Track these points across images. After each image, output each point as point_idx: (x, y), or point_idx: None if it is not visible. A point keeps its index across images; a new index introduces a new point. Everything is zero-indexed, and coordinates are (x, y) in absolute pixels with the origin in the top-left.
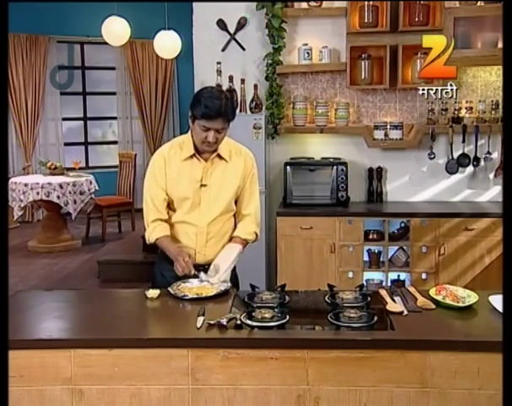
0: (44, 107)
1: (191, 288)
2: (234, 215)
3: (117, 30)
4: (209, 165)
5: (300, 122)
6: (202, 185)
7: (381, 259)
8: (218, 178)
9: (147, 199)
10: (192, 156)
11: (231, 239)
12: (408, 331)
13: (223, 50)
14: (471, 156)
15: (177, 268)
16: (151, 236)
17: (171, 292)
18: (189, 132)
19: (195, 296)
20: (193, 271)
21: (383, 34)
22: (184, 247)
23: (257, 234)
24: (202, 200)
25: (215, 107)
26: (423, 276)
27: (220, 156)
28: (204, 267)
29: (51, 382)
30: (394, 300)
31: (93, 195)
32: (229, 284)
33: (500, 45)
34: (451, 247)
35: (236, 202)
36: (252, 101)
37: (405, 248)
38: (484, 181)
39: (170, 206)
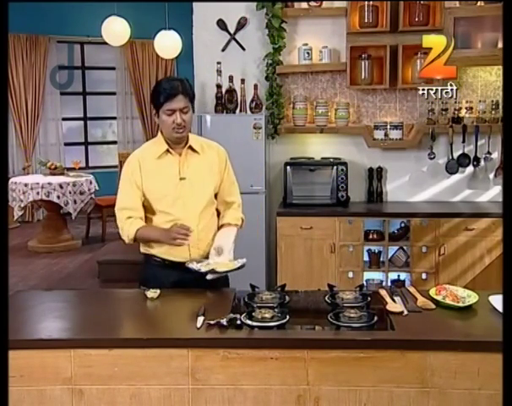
0: (44, 107)
1: (208, 264)
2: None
3: (116, 30)
4: (184, 158)
5: (300, 122)
6: (181, 179)
7: (381, 259)
8: (195, 170)
9: (121, 200)
10: (166, 153)
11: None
12: (408, 331)
13: (223, 50)
14: (471, 156)
15: (173, 242)
16: (130, 230)
17: (195, 268)
18: (159, 132)
19: (224, 270)
20: (189, 239)
21: (383, 34)
22: (177, 246)
23: (243, 220)
24: (184, 194)
25: (174, 86)
26: (423, 276)
27: (192, 149)
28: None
29: (51, 382)
30: (394, 300)
31: (93, 195)
32: (244, 260)
33: (500, 45)
34: (451, 247)
35: (216, 196)
36: (252, 101)
37: (405, 248)
38: (484, 181)
39: (149, 210)
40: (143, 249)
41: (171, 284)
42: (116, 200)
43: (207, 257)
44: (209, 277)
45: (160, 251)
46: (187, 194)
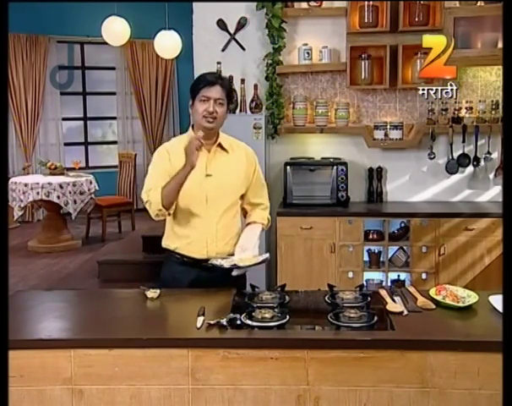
0: (44, 107)
1: (232, 260)
2: (243, 212)
3: (116, 30)
4: (212, 155)
5: (300, 122)
6: (207, 175)
7: (381, 259)
8: (221, 167)
9: (148, 183)
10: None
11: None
12: (408, 331)
13: (223, 50)
14: (471, 156)
15: (192, 156)
16: (155, 195)
17: (217, 264)
18: (190, 128)
19: (247, 264)
20: (198, 140)
21: (383, 34)
22: (194, 241)
23: (269, 220)
24: (207, 190)
25: (214, 75)
26: (423, 276)
27: (221, 147)
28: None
29: (51, 382)
30: (394, 300)
31: (93, 195)
32: (267, 255)
33: (500, 45)
34: (451, 247)
35: (243, 197)
36: (252, 101)
37: (405, 248)
38: (484, 181)
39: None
40: (164, 243)
41: (190, 282)
42: (115, 199)
43: (231, 254)
44: (234, 273)
45: (179, 247)
46: (210, 191)
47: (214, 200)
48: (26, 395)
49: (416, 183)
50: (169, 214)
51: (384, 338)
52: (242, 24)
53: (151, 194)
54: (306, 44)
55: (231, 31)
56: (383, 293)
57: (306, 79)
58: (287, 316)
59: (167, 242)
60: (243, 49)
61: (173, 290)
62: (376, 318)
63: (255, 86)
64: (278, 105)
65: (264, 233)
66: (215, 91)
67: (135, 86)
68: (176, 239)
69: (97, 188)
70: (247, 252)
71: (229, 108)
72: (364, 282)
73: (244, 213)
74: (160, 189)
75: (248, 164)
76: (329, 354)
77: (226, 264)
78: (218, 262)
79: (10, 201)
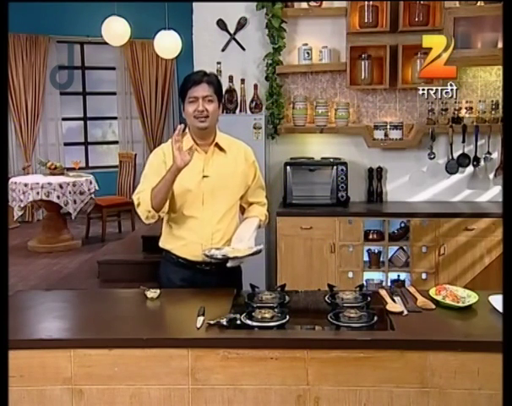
0: (44, 107)
1: (224, 251)
2: (240, 209)
3: (117, 30)
4: (210, 156)
5: (300, 122)
6: (204, 176)
7: (381, 259)
8: (219, 168)
9: (141, 186)
10: (191, 149)
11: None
12: (408, 331)
13: (223, 50)
14: (471, 156)
15: (178, 162)
16: (145, 197)
17: (207, 254)
18: (187, 129)
19: (239, 255)
20: (188, 158)
21: (383, 34)
22: (189, 243)
23: (267, 216)
24: (205, 191)
25: (199, 73)
26: (423, 276)
27: (219, 147)
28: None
29: (51, 382)
30: (394, 300)
31: (93, 195)
32: (261, 246)
33: (500, 45)
34: (451, 247)
35: (241, 197)
36: (252, 101)
37: (405, 248)
38: (484, 181)
39: (171, 208)
40: (161, 243)
41: (183, 283)
42: (115, 199)
43: None
44: (229, 264)
45: (174, 248)
46: (207, 193)
47: (211, 202)
48: (26, 395)
49: (416, 183)
50: (159, 217)
51: (384, 338)
52: (242, 24)
53: (141, 196)
54: (306, 44)
55: (231, 31)
56: (383, 293)
57: (306, 79)
58: (287, 316)
59: (163, 242)
60: (243, 49)
61: (173, 290)
62: (376, 318)
63: (255, 86)
64: (278, 105)
65: (263, 233)
66: (202, 89)
67: (135, 86)
68: (171, 240)
69: (97, 188)
70: (242, 243)
71: (221, 103)
72: (364, 282)
73: (242, 211)
74: (150, 190)
75: (247, 164)
76: (329, 354)
77: (219, 254)
78: (209, 253)
79: (10, 201)
